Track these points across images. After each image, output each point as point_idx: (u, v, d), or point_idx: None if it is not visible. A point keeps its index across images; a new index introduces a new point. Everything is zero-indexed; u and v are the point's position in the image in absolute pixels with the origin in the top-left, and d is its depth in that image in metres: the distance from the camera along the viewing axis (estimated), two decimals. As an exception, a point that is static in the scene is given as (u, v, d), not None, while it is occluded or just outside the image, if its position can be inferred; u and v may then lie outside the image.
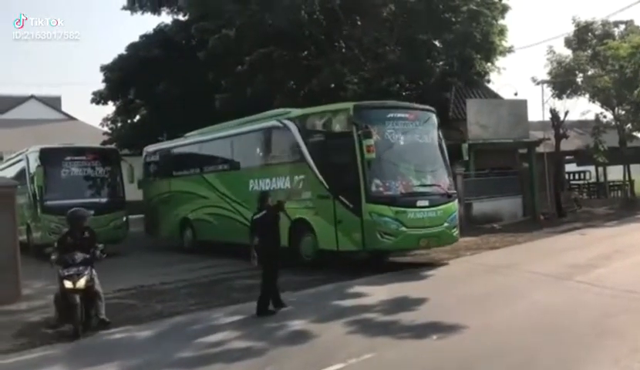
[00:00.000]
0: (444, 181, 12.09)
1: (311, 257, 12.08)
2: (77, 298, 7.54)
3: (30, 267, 11.84)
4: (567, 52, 27.11)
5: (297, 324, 7.57)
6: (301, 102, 15.14)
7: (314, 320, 7.75)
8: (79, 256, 7.79)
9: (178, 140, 17.71)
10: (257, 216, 8.66)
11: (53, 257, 7.88)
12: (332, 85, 19.40)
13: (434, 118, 12.53)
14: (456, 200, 12.37)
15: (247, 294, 9.68)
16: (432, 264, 12.11)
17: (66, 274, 7.68)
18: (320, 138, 12.12)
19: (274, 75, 19.18)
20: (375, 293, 9.20)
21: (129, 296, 10.28)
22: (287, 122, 12.89)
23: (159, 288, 10.93)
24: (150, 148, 19.05)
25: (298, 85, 20.22)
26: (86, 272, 7.75)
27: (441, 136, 12.48)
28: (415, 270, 11.51)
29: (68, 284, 7.62)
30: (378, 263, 12.24)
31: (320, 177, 11.79)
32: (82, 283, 7.64)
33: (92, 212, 13.41)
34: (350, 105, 11.75)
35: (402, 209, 11.08)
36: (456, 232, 11.99)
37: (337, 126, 11.74)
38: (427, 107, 12.83)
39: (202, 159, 16.15)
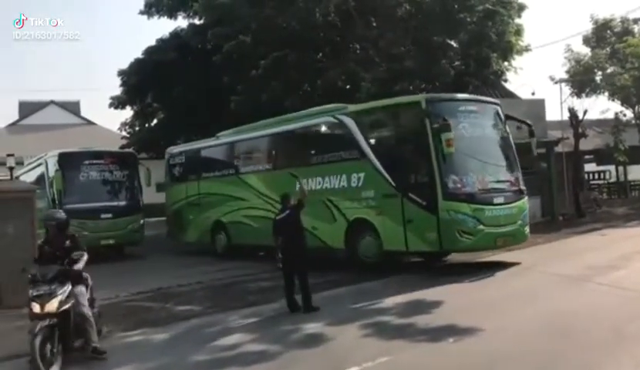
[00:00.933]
0: (515, 177, 11.69)
1: (372, 258, 11.51)
2: (38, 327, 5.83)
3: (49, 270, 11.99)
4: (586, 50, 26.82)
5: (312, 327, 7.55)
6: (316, 104, 15.07)
7: (329, 323, 7.74)
8: (52, 270, 6.25)
9: (208, 140, 16.79)
10: (280, 216, 8.74)
11: (30, 275, 6.34)
12: (348, 87, 19.38)
13: (501, 111, 12.11)
14: (527, 197, 11.77)
15: (262, 296, 9.75)
16: (448, 266, 12.00)
17: (35, 294, 6.07)
18: (384, 133, 11.83)
19: (289, 77, 19.20)
20: (391, 295, 9.14)
21: (146, 298, 10.42)
22: (343, 117, 12.30)
23: (176, 291, 11.04)
24: (175, 149, 18.17)
25: (313, 87, 20.23)
26: (60, 291, 6.12)
27: (508, 130, 12.09)
28: (431, 271, 11.43)
29: (35, 308, 6.00)
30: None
31: (385, 175, 11.24)
32: (53, 305, 5.99)
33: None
34: (421, 97, 11.36)
35: (480, 206, 10.60)
36: (527, 230, 11.60)
37: (405, 121, 11.37)
38: (494, 100, 12.44)
39: (240, 158, 15.39)
